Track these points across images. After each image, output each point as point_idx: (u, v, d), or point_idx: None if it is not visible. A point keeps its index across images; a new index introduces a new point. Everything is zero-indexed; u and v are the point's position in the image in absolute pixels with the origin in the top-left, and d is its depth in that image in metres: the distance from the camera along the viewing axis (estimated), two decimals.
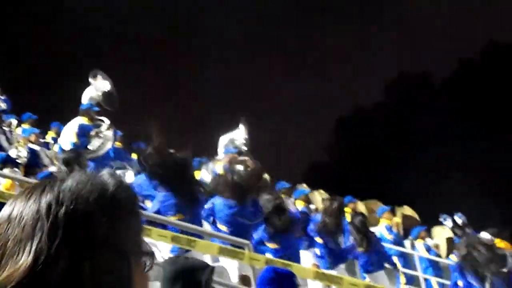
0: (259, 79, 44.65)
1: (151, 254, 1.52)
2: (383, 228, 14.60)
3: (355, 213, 13.51)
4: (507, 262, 12.37)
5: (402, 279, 14.26)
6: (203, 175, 14.74)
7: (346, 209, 15.31)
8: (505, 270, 12.30)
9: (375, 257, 12.86)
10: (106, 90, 14.96)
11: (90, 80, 15.05)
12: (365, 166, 44.29)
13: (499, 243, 12.68)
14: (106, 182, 1.51)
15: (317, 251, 12.05)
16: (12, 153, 13.68)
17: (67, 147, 13.73)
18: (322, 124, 46.38)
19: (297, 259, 10.35)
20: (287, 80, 45.32)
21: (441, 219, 13.66)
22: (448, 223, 14.01)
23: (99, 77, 15.04)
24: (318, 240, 11.96)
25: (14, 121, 15.84)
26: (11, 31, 39.47)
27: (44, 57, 38.12)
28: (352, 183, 37.43)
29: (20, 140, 14.71)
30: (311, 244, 12.19)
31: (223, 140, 16.54)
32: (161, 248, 9.70)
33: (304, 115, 45.10)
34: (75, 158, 10.48)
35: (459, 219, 13.67)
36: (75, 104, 14.80)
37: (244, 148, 16.45)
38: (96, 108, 14.21)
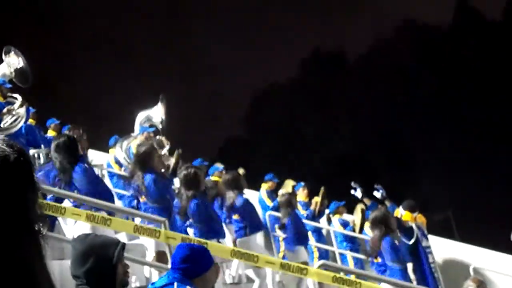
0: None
1: (44, 219, 1.57)
2: (298, 204, 14.86)
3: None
4: (414, 234, 12.93)
5: (316, 254, 14.56)
6: (117, 152, 14.68)
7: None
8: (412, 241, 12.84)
9: (295, 233, 13.15)
10: (19, 67, 14.66)
11: (3, 56, 14.71)
12: (279, 142, 44.69)
13: (407, 216, 13.13)
14: (5, 151, 1.55)
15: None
16: None
17: None
18: (238, 99, 46.53)
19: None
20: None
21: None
22: (358, 193, 14.31)
23: (12, 54, 14.72)
24: (235, 216, 12.12)
25: None
26: None
27: None
28: (266, 159, 37.76)
29: None
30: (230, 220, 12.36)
31: (140, 117, 16.43)
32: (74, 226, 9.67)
33: (220, 90, 45.13)
34: None
35: (377, 192, 13.96)
36: None
37: (160, 126, 16.37)
38: (9, 85, 13.93)
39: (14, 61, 14.57)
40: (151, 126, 15.94)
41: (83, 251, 4.64)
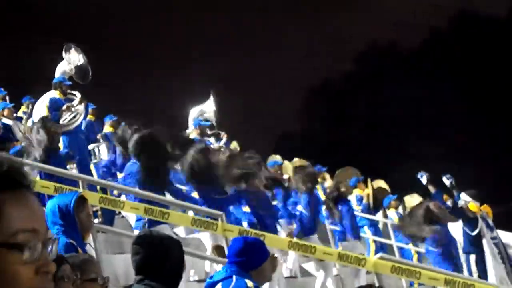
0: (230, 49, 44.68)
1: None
2: (353, 198, 14.82)
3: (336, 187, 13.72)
4: (478, 225, 12.70)
5: (372, 247, 14.51)
6: None
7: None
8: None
9: (348, 227, 13.09)
10: (79, 64, 14.95)
11: (63, 54, 15.03)
12: (335, 136, 44.53)
13: (472, 206, 12.93)
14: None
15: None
16: None
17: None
18: (293, 94, 46.45)
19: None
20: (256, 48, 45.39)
21: (418, 176, 13.77)
22: (424, 180, 14.13)
23: (73, 51, 15.01)
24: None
25: None
26: None
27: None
28: (323, 152, 37.68)
29: None
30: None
31: (193, 112, 16.62)
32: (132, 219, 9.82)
33: (275, 84, 45.14)
34: (44, 125, 10.46)
35: (447, 180, 13.68)
36: (47, 78, 14.81)
37: (214, 120, 16.57)
38: (68, 82, 14.21)
39: (74, 58, 14.87)
40: (205, 120, 16.12)
41: (145, 253, 4.64)
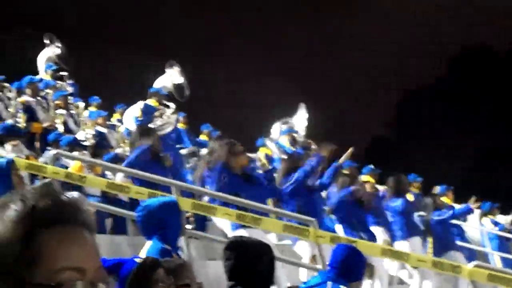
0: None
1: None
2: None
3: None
4: None
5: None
6: (270, 145, 15.11)
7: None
8: None
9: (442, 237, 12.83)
10: (179, 83, 15.54)
11: (166, 68, 15.59)
12: (426, 143, 43.82)
13: None
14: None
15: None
16: (80, 135, 13.99)
17: (131, 122, 14.08)
18: (384, 99, 45.97)
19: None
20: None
21: None
22: None
23: (175, 69, 15.59)
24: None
25: (81, 104, 16.19)
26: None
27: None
28: (414, 160, 37.16)
29: (88, 123, 15.04)
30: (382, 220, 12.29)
31: (279, 123, 16.77)
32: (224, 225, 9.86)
33: (365, 91, 44.78)
34: (146, 130, 10.66)
35: None
36: (141, 89, 15.24)
37: (303, 130, 16.70)
38: (165, 92, 14.65)
39: (176, 76, 15.47)
40: (291, 127, 16.24)
41: (238, 260, 4.63)
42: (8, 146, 10.62)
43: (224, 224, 9.71)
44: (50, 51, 17.35)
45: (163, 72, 15.79)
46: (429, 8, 45.45)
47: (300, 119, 16.87)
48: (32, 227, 1.42)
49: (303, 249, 10.32)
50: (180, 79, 15.75)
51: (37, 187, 1.49)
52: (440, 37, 45.47)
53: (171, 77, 15.75)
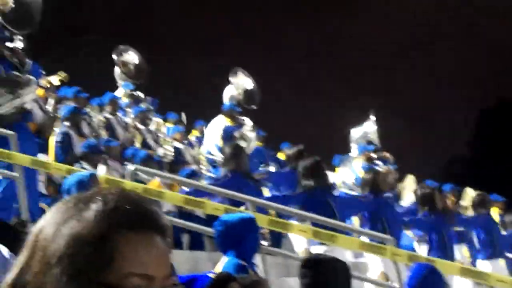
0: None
1: None
2: None
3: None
4: None
5: None
6: (344, 172, 14.85)
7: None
8: None
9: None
10: (248, 88, 15.29)
11: (231, 78, 15.42)
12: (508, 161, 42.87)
13: None
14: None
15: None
16: (160, 152, 14.18)
17: (215, 151, 14.12)
18: (463, 117, 45.22)
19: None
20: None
21: None
22: None
23: (240, 75, 15.37)
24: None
25: (160, 120, 16.37)
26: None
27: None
28: (495, 179, 36.38)
29: (167, 139, 15.20)
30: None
31: (355, 135, 16.55)
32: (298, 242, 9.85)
33: (443, 107, 44.12)
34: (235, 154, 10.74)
35: None
36: (215, 103, 15.25)
37: (377, 141, 16.44)
38: (238, 109, 14.57)
39: (242, 82, 15.22)
40: (368, 142, 16.00)
41: (315, 278, 4.60)
42: (101, 166, 10.94)
43: (299, 241, 9.71)
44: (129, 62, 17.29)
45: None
46: (429, 8, 44.71)
47: (372, 128, 16.66)
48: (109, 229, 1.43)
49: (374, 264, 10.25)
50: (248, 85, 15.49)
51: (119, 190, 1.50)
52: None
53: (237, 85, 15.48)
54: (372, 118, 16.80)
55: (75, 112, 12.27)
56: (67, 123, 12.01)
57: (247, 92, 15.30)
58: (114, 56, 16.43)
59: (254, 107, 15.34)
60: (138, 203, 1.49)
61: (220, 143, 13.83)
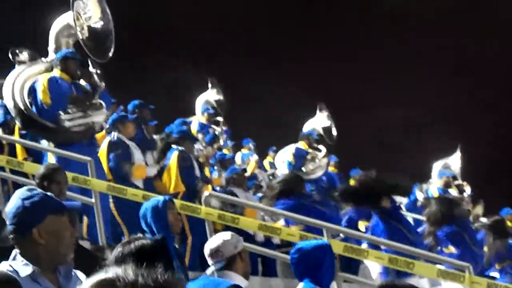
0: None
1: None
2: None
3: None
4: None
5: None
6: (418, 195, 14.89)
7: None
8: None
9: None
10: (327, 126, 15.85)
11: (317, 111, 16.05)
12: None
13: None
14: None
15: None
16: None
17: (283, 166, 14.26)
18: None
19: None
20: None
21: None
22: None
23: (324, 112, 15.96)
24: None
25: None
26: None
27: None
28: None
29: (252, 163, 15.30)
30: None
31: (438, 165, 16.62)
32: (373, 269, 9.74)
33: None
34: (295, 181, 10.65)
35: None
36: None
37: (458, 173, 16.46)
38: (316, 137, 14.95)
39: (324, 120, 15.95)
40: (448, 170, 16.06)
41: None
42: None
43: (375, 268, 9.61)
44: (210, 95, 17.74)
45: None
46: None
47: (455, 160, 16.71)
48: None
49: None
50: (327, 123, 16.03)
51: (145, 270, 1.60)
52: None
53: (321, 121, 16.19)
54: (458, 152, 16.99)
55: None
56: None
57: (326, 130, 16.35)
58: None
59: (331, 143, 15.99)
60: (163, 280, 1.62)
61: (291, 158, 13.98)
